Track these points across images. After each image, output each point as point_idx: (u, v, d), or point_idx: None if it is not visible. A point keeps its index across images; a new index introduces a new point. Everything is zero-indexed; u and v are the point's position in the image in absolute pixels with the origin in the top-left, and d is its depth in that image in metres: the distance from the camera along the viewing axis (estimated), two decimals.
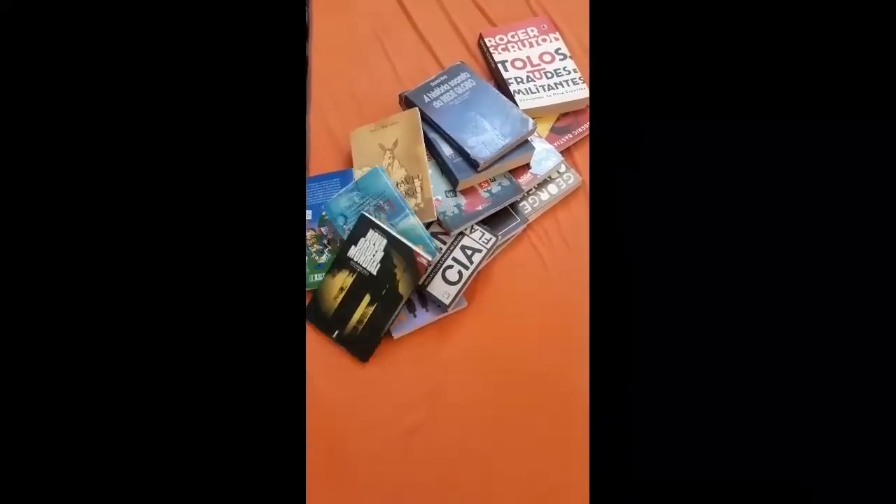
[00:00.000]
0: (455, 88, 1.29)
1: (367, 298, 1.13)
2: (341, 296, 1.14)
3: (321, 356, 1.12)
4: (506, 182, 1.23)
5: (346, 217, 1.18)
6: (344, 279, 1.15)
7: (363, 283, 1.13)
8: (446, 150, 1.23)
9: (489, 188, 1.22)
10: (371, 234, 1.14)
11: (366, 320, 1.12)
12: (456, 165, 1.20)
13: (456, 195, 1.21)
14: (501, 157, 1.21)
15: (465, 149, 1.19)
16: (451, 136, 1.22)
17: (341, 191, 1.21)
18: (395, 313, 1.11)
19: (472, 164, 1.19)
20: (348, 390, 1.10)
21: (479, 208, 1.19)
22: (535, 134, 1.27)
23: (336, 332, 1.13)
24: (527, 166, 1.25)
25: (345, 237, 1.17)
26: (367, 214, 1.16)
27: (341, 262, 1.15)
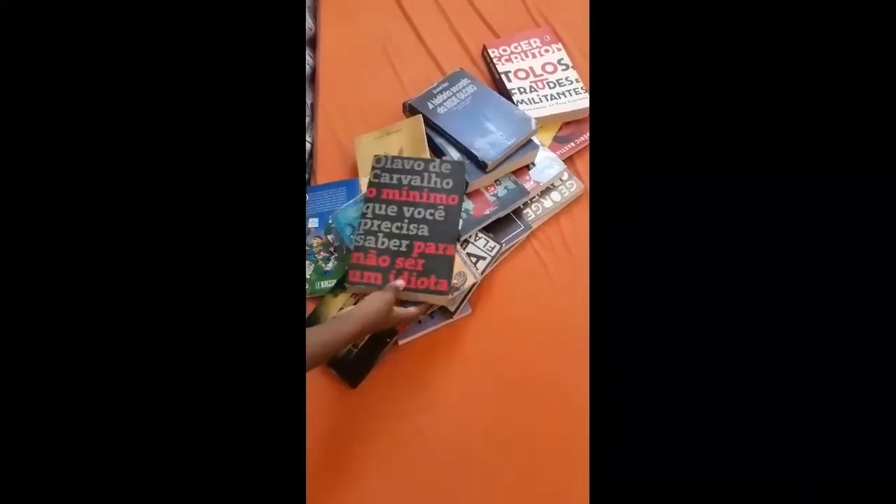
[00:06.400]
0: (457, 94, 1.31)
1: None
2: None
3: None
4: (511, 185, 1.23)
5: (353, 227, 1.17)
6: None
7: None
8: (453, 154, 1.23)
9: (495, 192, 1.22)
10: None
11: (360, 345, 1.09)
12: None
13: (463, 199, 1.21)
14: (507, 157, 1.21)
15: (472, 151, 1.20)
16: (458, 139, 1.22)
17: (349, 202, 1.21)
18: (389, 345, 1.09)
19: (480, 165, 1.19)
20: (350, 396, 1.08)
21: (487, 212, 1.19)
22: (539, 143, 1.28)
23: None
24: (528, 169, 1.26)
25: (351, 247, 1.16)
26: None
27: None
